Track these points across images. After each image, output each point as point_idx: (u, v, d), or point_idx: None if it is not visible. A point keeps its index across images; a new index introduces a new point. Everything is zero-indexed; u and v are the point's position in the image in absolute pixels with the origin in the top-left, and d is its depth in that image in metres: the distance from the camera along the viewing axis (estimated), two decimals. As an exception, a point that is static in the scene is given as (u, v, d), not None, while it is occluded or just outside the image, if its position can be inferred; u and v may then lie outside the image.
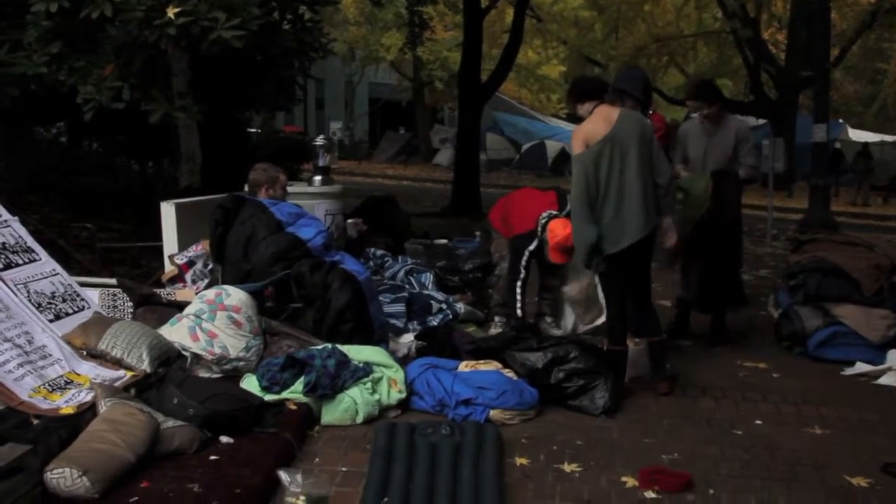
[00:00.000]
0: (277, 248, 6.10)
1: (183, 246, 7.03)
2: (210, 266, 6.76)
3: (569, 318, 7.14)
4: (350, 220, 8.22)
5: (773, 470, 4.53)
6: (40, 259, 5.94)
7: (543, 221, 6.67)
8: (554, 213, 6.72)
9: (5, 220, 5.96)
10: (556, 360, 5.45)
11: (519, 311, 6.75)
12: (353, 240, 7.95)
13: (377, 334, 6.07)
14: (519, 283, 6.76)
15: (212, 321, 5.53)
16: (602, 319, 6.19)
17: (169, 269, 7.03)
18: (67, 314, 5.64)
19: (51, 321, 5.39)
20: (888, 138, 30.65)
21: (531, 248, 6.73)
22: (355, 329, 5.89)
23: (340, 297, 5.90)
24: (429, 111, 41.02)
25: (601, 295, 6.59)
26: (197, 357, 5.46)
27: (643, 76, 6.96)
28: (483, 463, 4.32)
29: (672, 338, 6.88)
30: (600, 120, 5.59)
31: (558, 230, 6.55)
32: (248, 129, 14.67)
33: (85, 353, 5.20)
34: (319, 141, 8.42)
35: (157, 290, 6.54)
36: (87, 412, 4.42)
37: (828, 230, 10.98)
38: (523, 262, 6.75)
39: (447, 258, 8.49)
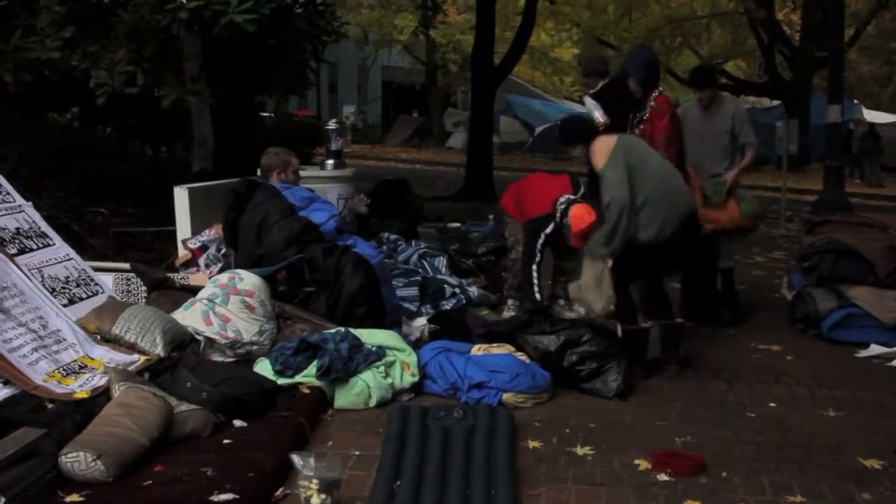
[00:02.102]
0: (290, 232, 6.09)
1: (196, 230, 7.03)
2: (223, 250, 6.77)
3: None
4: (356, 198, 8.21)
5: (787, 452, 4.53)
6: (54, 244, 5.95)
7: (563, 206, 6.54)
8: (572, 197, 6.64)
9: (19, 205, 5.98)
10: (569, 343, 5.45)
11: (536, 295, 6.71)
12: (361, 215, 7.93)
13: (390, 318, 6.07)
14: (534, 267, 6.72)
15: (225, 305, 5.54)
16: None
17: (182, 253, 7.03)
18: (81, 299, 5.66)
19: (65, 306, 5.40)
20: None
21: (547, 231, 6.68)
22: (368, 313, 5.89)
23: (353, 280, 5.90)
24: (442, 94, 40.85)
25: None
26: (210, 341, 5.48)
27: (645, 56, 7.00)
28: (496, 446, 4.32)
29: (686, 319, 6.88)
30: (605, 137, 5.93)
31: (585, 216, 6.35)
32: (261, 114, 14.65)
33: (99, 337, 5.22)
34: (332, 125, 8.38)
35: (171, 275, 6.56)
36: (102, 396, 4.44)
37: (842, 211, 10.91)
38: (539, 246, 6.71)
39: (460, 242, 8.49)
